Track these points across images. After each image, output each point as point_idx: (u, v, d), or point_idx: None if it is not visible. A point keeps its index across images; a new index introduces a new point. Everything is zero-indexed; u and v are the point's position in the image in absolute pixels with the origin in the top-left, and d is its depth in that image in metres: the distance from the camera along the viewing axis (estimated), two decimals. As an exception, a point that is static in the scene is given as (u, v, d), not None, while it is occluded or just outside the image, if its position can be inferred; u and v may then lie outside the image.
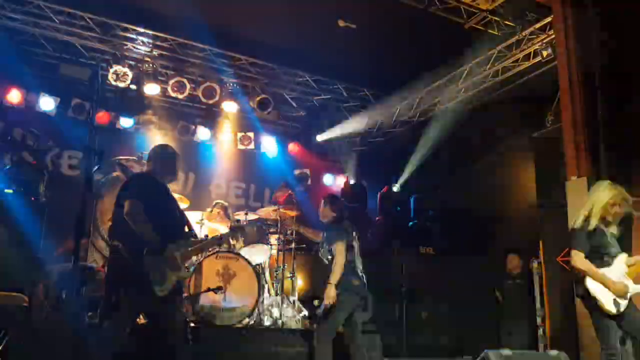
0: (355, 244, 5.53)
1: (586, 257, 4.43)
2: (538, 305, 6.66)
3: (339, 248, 5.30)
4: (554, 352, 5.34)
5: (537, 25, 7.20)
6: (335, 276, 5.18)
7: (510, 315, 7.16)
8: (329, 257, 5.43)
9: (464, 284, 7.40)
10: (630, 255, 4.58)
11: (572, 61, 6.08)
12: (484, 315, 7.35)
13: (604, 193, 4.59)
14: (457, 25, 7.14)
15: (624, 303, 4.33)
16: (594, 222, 4.50)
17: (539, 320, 6.64)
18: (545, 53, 7.24)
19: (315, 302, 6.57)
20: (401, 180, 9.83)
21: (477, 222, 8.11)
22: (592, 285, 4.37)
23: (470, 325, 7.22)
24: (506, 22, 7.30)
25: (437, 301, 7.73)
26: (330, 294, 5.16)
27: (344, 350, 5.44)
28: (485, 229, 7.98)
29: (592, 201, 4.60)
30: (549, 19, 6.96)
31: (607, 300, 4.31)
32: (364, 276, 5.49)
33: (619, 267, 4.45)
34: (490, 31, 7.37)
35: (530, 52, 7.53)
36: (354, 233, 5.58)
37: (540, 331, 6.57)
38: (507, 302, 7.27)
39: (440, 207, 8.89)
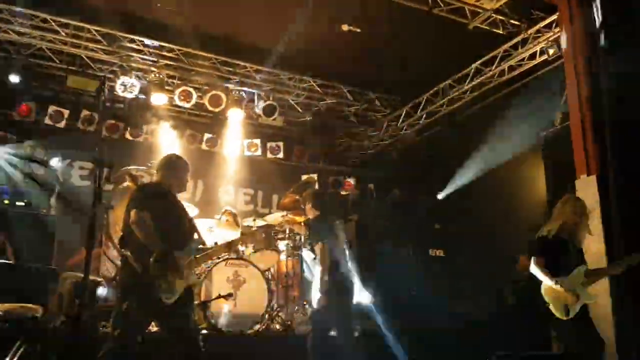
0: (344, 243, 5.43)
1: (546, 265, 4.81)
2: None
3: (321, 248, 5.19)
4: (568, 352, 5.30)
5: (543, 24, 7.19)
6: (320, 279, 5.12)
7: (521, 317, 7.12)
8: (311, 255, 5.35)
9: (474, 286, 7.36)
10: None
11: (578, 58, 6.05)
12: (495, 317, 7.31)
13: (567, 206, 5.02)
14: (461, 25, 7.14)
15: (573, 310, 4.69)
16: (555, 232, 4.91)
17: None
18: (551, 51, 7.20)
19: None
20: (410, 182, 9.82)
21: (487, 222, 8.08)
22: (546, 291, 4.81)
23: (481, 328, 7.18)
24: (511, 21, 7.29)
25: (449, 305, 7.70)
26: (317, 295, 5.11)
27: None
28: (495, 230, 7.94)
29: (556, 213, 5.03)
30: (554, 17, 6.94)
31: (556, 306, 4.73)
32: (351, 274, 5.40)
33: (577, 277, 4.80)
34: (495, 30, 7.36)
35: (536, 51, 7.51)
36: (342, 232, 5.49)
37: (554, 333, 6.52)
38: (518, 304, 7.22)
39: (448, 208, 8.88)
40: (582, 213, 4.99)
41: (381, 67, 8.64)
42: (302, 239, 7.31)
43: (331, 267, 5.18)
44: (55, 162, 7.99)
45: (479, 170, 8.46)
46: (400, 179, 10.02)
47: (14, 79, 7.76)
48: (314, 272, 5.25)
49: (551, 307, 4.78)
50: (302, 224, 7.11)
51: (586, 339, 4.73)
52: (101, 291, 5.96)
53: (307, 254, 5.42)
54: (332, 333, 5.38)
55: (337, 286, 5.19)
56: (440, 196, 9.30)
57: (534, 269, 4.88)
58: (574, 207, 5.03)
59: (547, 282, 4.81)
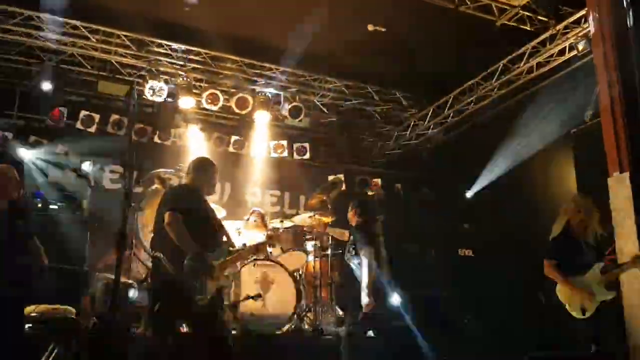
0: (383, 249, 5.48)
1: (559, 266, 4.91)
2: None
3: (368, 251, 5.27)
4: (600, 352, 5.20)
5: (572, 19, 7.07)
6: (368, 283, 5.16)
7: (554, 316, 7.00)
8: (356, 261, 5.41)
9: (505, 286, 7.27)
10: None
11: (609, 53, 5.92)
12: (528, 317, 7.21)
13: (570, 205, 5.12)
14: (488, 22, 7.07)
15: (590, 309, 4.76)
16: (562, 233, 5.02)
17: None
18: (581, 47, 7.08)
19: None
20: (439, 181, 9.75)
21: (516, 221, 7.97)
22: (561, 291, 4.92)
23: (514, 328, 7.09)
24: (539, 17, 7.19)
25: (479, 305, 7.62)
26: (365, 300, 5.14)
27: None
28: (525, 229, 7.84)
29: (561, 214, 5.12)
30: (583, 12, 6.82)
31: (572, 306, 4.82)
32: (389, 282, 5.44)
33: (592, 275, 4.84)
34: (522, 27, 7.27)
35: (565, 47, 7.40)
36: (381, 238, 5.54)
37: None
38: (551, 303, 7.11)
39: (477, 208, 8.79)
40: (586, 210, 5.04)
41: (407, 66, 8.60)
42: (329, 239, 7.34)
43: (377, 270, 5.28)
44: (86, 166, 8.14)
45: (508, 168, 8.36)
46: (427, 178, 9.96)
47: (46, 86, 7.91)
48: (360, 275, 5.28)
49: (567, 307, 4.86)
50: (327, 225, 7.15)
51: (605, 338, 4.77)
52: (132, 293, 6.05)
53: (351, 258, 5.47)
54: (370, 334, 5.44)
55: (382, 288, 5.32)
56: (468, 194, 9.21)
57: (547, 272, 5.00)
58: (577, 205, 5.10)
59: (560, 283, 4.91)
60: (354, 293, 5.28)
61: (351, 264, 5.48)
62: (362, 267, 5.26)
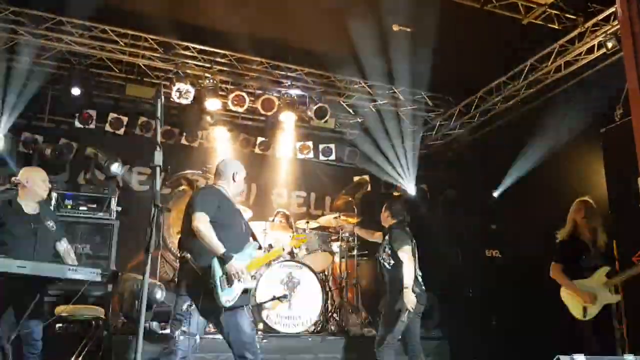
0: (415, 250, 5.51)
1: (565, 269, 5.07)
2: (614, 307, 6.38)
3: (407, 252, 5.32)
4: (630, 357, 5.11)
5: (600, 17, 6.94)
6: (409, 280, 5.20)
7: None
8: (391, 261, 5.42)
9: (532, 287, 7.17)
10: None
11: (639, 51, 5.79)
12: (555, 319, 7.11)
13: (574, 209, 5.29)
14: (515, 21, 6.98)
15: (592, 311, 4.90)
16: (568, 236, 5.18)
17: (615, 323, 6.36)
18: (610, 45, 6.94)
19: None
20: (465, 182, 9.66)
21: (545, 222, 7.86)
22: (564, 293, 5.09)
23: (541, 330, 7.00)
24: (567, 15, 7.07)
25: (506, 305, 7.54)
26: (410, 297, 5.17)
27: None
28: (555, 229, 7.72)
29: (568, 217, 5.29)
30: (612, 9, 6.69)
31: (575, 308, 4.98)
32: (423, 284, 5.48)
33: (597, 278, 4.98)
34: (550, 25, 7.16)
35: (594, 45, 7.26)
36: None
37: (617, 334, 6.29)
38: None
39: (505, 208, 8.69)
40: (590, 214, 5.19)
41: (432, 66, 8.54)
42: (355, 240, 7.34)
43: (415, 271, 5.36)
44: (115, 168, 8.27)
45: (536, 168, 8.24)
46: (454, 179, 9.88)
47: (75, 91, 8.06)
48: (398, 277, 5.31)
49: (570, 309, 5.03)
50: (354, 225, 7.14)
51: (600, 340, 4.91)
52: (160, 294, 6.13)
53: (387, 259, 5.50)
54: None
55: (421, 289, 5.40)
56: (495, 195, 9.11)
57: (553, 274, 5.16)
58: (580, 209, 5.26)
59: (564, 285, 5.08)
60: (394, 294, 5.33)
61: (386, 265, 5.50)
62: (402, 268, 5.29)
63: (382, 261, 5.58)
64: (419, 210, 9.26)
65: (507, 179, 8.76)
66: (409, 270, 5.26)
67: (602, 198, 7.02)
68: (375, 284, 8.11)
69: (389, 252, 5.48)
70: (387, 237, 5.63)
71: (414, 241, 5.56)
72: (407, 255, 5.32)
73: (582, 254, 5.08)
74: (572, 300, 5.03)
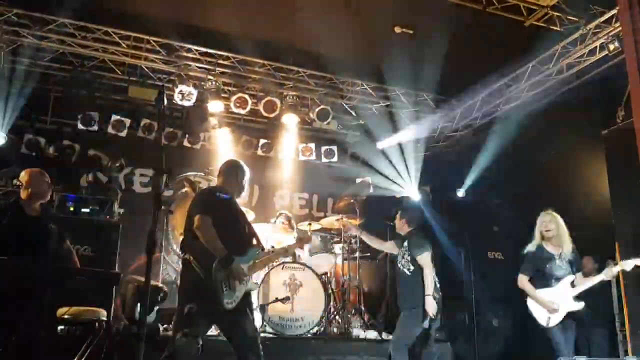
0: (432, 256, 5.56)
1: (532, 278, 5.34)
2: (616, 309, 6.37)
3: (427, 258, 5.38)
4: (632, 359, 5.12)
5: (602, 19, 6.94)
6: (431, 286, 5.27)
7: (584, 321, 6.88)
8: (411, 267, 5.46)
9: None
10: None
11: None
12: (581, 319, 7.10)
13: (539, 221, 5.50)
14: (517, 23, 6.98)
15: (555, 319, 5.18)
16: (537, 247, 5.41)
17: (618, 325, 6.35)
18: (612, 47, 6.93)
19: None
20: (467, 184, 9.65)
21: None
22: (530, 302, 5.36)
23: (544, 332, 6.98)
24: (569, 17, 7.07)
25: (508, 307, 7.53)
26: (432, 304, 5.27)
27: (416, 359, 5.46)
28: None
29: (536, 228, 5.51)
30: (614, 11, 6.69)
31: (540, 316, 5.26)
32: (440, 289, 5.51)
33: (562, 288, 5.24)
34: (552, 27, 7.15)
35: (596, 47, 7.25)
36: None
37: (620, 336, 6.28)
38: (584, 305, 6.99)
39: (507, 210, 8.67)
40: (554, 225, 5.41)
41: (435, 68, 8.54)
42: (357, 242, 7.33)
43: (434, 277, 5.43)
44: (117, 169, 8.27)
45: (538, 170, 8.24)
46: (456, 181, 9.87)
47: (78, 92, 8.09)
48: (418, 284, 5.38)
49: (535, 317, 5.31)
50: (357, 227, 7.14)
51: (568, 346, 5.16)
52: (162, 295, 6.12)
53: (406, 265, 5.52)
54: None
55: (439, 295, 5.46)
56: (497, 197, 9.10)
57: (520, 284, 5.41)
58: (544, 221, 5.47)
59: (530, 295, 5.34)
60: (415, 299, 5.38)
61: (405, 271, 5.52)
62: (423, 274, 5.37)
63: (401, 267, 5.60)
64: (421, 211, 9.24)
65: (508, 181, 8.75)
66: (431, 277, 5.33)
67: (605, 199, 7.02)
68: (377, 286, 8.11)
69: (409, 258, 5.52)
70: (405, 244, 5.65)
71: (431, 248, 5.61)
72: (427, 262, 5.38)
73: (547, 264, 5.33)
74: (537, 309, 5.31)
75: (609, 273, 5.17)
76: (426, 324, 5.34)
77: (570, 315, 5.20)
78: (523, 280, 5.40)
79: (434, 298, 5.33)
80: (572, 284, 5.27)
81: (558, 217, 5.48)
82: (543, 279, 5.33)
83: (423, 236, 5.68)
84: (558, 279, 5.29)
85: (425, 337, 5.50)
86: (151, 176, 8.88)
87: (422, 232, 5.76)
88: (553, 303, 5.21)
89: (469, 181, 9.56)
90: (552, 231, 5.39)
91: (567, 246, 5.37)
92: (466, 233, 8.41)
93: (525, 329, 7.14)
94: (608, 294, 6.72)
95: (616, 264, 5.38)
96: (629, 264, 5.14)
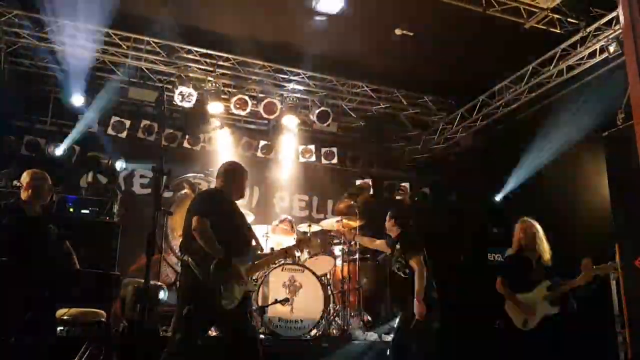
0: (426, 257, 5.52)
1: (510, 283, 5.52)
2: (616, 311, 6.35)
3: (419, 260, 5.32)
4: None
5: (602, 21, 6.94)
6: (421, 291, 5.20)
7: (586, 323, 6.86)
8: (407, 270, 5.43)
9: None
10: None
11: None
12: (560, 323, 7.08)
13: (517, 227, 5.68)
14: (517, 25, 6.99)
15: (532, 322, 5.37)
16: (514, 252, 5.65)
17: (617, 327, 6.33)
18: (612, 49, 6.94)
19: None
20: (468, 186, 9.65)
21: (547, 226, 7.84)
22: (507, 306, 5.55)
23: (542, 335, 6.97)
24: (569, 20, 7.07)
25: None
26: (419, 308, 5.17)
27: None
28: (555, 234, 7.70)
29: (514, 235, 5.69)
30: (614, 13, 6.69)
31: (517, 320, 5.43)
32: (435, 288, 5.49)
33: (538, 292, 5.42)
34: (552, 30, 7.16)
35: (596, 49, 7.26)
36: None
37: (620, 339, 6.26)
38: (583, 309, 6.98)
39: (507, 212, 8.67)
40: (530, 232, 5.58)
41: (435, 70, 8.55)
42: (357, 244, 7.32)
43: (428, 277, 5.36)
44: (119, 165, 8.24)
45: (538, 172, 8.23)
46: (456, 183, 9.87)
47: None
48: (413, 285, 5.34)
49: (513, 320, 5.46)
50: (356, 229, 7.13)
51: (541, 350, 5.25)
52: (162, 295, 6.12)
53: (401, 268, 5.51)
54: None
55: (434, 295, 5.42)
56: (497, 198, 9.10)
57: (498, 287, 5.59)
58: (521, 229, 5.64)
59: (507, 298, 5.52)
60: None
61: (402, 274, 5.50)
62: (414, 276, 5.32)
63: (396, 270, 5.59)
64: (421, 214, 9.25)
65: (510, 183, 8.75)
66: (421, 280, 5.28)
67: (604, 200, 7.00)
68: (377, 288, 8.10)
69: (403, 262, 5.49)
70: (398, 247, 5.63)
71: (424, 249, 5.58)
72: (419, 264, 5.33)
73: (525, 269, 5.51)
74: (514, 312, 5.48)
75: (582, 279, 5.42)
76: (436, 325, 5.34)
77: (547, 319, 5.36)
78: (501, 284, 5.60)
79: (432, 298, 5.29)
80: (549, 289, 5.44)
81: (536, 224, 5.67)
82: (520, 283, 5.51)
83: (415, 238, 5.62)
84: (535, 284, 5.47)
85: (424, 337, 5.47)
86: (151, 177, 8.88)
87: (414, 234, 5.69)
88: (529, 307, 5.41)
89: (468, 182, 9.55)
90: (529, 238, 5.56)
91: (545, 253, 5.55)
92: (466, 234, 8.43)
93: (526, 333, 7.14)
94: (608, 295, 6.70)
95: (597, 268, 5.59)
96: (602, 269, 5.51)
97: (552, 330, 5.39)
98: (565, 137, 7.65)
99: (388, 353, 5.49)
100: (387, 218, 5.82)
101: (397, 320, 5.54)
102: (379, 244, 6.04)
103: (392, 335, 5.63)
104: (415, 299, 5.20)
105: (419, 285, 5.22)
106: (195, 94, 8.41)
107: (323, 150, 10.26)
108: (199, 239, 4.05)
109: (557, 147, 7.82)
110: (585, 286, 5.71)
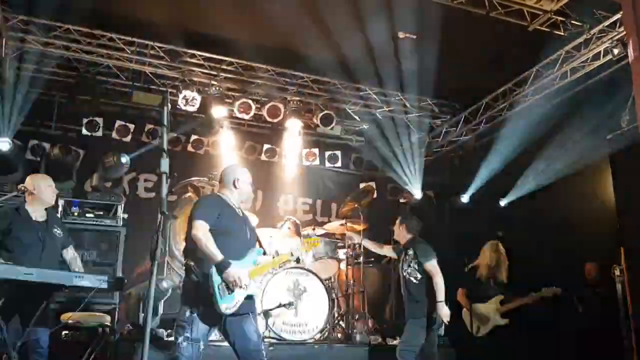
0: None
1: (468, 293, 6.39)
2: (622, 315, 6.33)
3: (434, 264, 5.40)
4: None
5: (606, 23, 6.92)
6: (442, 293, 5.31)
7: (591, 326, 6.84)
8: (419, 275, 5.45)
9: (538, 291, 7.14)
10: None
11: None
12: (564, 326, 7.06)
13: (486, 251, 6.59)
14: (521, 28, 6.98)
15: (483, 330, 6.37)
16: (473, 269, 6.56)
17: (623, 330, 6.31)
18: (616, 51, 6.91)
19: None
20: (471, 190, 9.62)
21: (552, 230, 7.82)
22: (464, 313, 6.48)
23: (549, 337, 6.96)
24: (572, 22, 7.05)
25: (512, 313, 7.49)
26: (446, 311, 5.28)
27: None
28: (560, 237, 7.68)
29: (480, 254, 6.65)
30: (618, 15, 6.68)
31: (472, 326, 6.31)
32: None
33: (492, 304, 6.40)
34: (555, 32, 7.14)
35: (600, 51, 7.23)
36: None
37: (625, 342, 6.23)
38: (588, 312, 6.95)
39: (512, 215, 8.65)
40: (497, 259, 6.48)
41: (439, 72, 8.54)
42: (361, 248, 7.31)
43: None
44: (125, 159, 8.22)
45: (543, 176, 8.20)
46: (460, 186, 9.85)
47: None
48: (427, 291, 5.41)
49: (467, 326, 6.28)
50: (360, 232, 7.12)
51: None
52: (165, 285, 6.08)
53: (413, 273, 5.54)
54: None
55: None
56: (503, 203, 9.07)
57: (458, 297, 6.46)
58: (486, 250, 6.57)
59: (465, 307, 6.40)
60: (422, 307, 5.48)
61: (412, 279, 5.53)
62: (433, 281, 5.45)
63: (407, 276, 5.60)
64: (425, 216, 9.22)
65: (515, 187, 8.73)
66: (442, 284, 5.36)
67: (610, 203, 6.99)
68: (381, 292, 8.09)
69: (416, 266, 5.52)
70: (411, 252, 5.66)
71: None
72: (436, 268, 5.40)
73: (480, 285, 6.45)
74: (470, 320, 6.28)
75: (530, 298, 6.29)
76: (442, 330, 5.43)
77: (499, 328, 6.27)
78: (460, 293, 6.48)
79: (443, 304, 5.39)
80: (501, 303, 6.34)
81: (500, 248, 6.55)
82: (477, 295, 6.39)
83: (428, 243, 5.68)
84: (489, 297, 6.39)
85: (429, 342, 5.48)
86: (155, 181, 8.89)
87: (425, 239, 5.77)
88: (482, 316, 6.34)
89: (473, 186, 9.52)
90: (489, 260, 6.46)
91: (502, 273, 6.45)
92: (470, 237, 8.39)
93: (530, 333, 7.12)
94: (614, 304, 6.67)
95: (544, 290, 6.38)
96: (548, 291, 6.27)
97: (501, 338, 6.18)
98: (572, 140, 7.63)
99: (397, 356, 5.48)
100: (397, 224, 5.85)
101: (408, 324, 5.57)
102: (387, 250, 6.10)
103: (401, 339, 5.64)
104: (438, 303, 5.30)
105: (442, 288, 5.33)
106: (199, 98, 8.43)
107: (327, 153, 10.26)
108: (197, 244, 4.06)
109: (564, 151, 7.80)
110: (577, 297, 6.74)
